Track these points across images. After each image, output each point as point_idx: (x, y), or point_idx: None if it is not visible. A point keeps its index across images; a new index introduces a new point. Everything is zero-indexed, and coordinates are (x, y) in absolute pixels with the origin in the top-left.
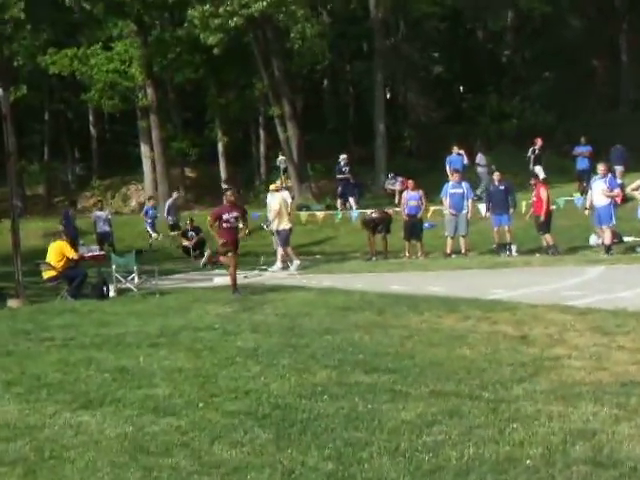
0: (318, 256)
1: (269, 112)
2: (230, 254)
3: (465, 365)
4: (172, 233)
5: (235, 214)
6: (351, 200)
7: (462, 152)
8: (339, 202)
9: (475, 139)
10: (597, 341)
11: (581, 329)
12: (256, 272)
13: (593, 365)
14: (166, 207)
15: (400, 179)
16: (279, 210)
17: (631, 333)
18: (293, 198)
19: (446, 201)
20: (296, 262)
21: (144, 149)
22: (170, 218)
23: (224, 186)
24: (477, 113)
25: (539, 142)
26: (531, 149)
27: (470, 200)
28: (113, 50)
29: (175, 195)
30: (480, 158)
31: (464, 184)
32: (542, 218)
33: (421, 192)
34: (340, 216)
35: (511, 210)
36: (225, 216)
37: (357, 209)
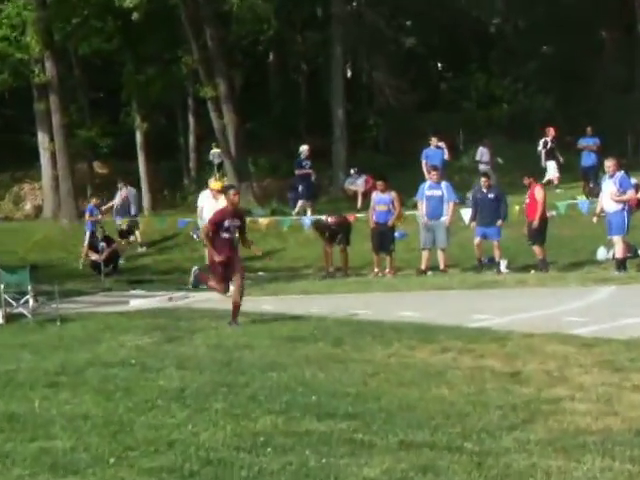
0: (261, 273)
1: (200, 93)
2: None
3: (443, 409)
4: (122, 240)
5: (237, 222)
6: (307, 204)
7: (442, 145)
8: (300, 204)
9: (457, 128)
10: (606, 379)
11: (586, 364)
12: (183, 293)
13: (601, 409)
14: (115, 205)
15: (364, 177)
16: None
17: None
18: None
19: (422, 205)
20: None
21: (42, 138)
22: (119, 218)
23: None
24: (459, 96)
25: (552, 132)
26: (542, 141)
27: (451, 204)
28: (2, 13)
29: (124, 190)
30: (482, 153)
31: (444, 184)
32: (535, 224)
33: (393, 194)
34: (289, 223)
35: (499, 222)
36: (227, 222)
37: (311, 215)
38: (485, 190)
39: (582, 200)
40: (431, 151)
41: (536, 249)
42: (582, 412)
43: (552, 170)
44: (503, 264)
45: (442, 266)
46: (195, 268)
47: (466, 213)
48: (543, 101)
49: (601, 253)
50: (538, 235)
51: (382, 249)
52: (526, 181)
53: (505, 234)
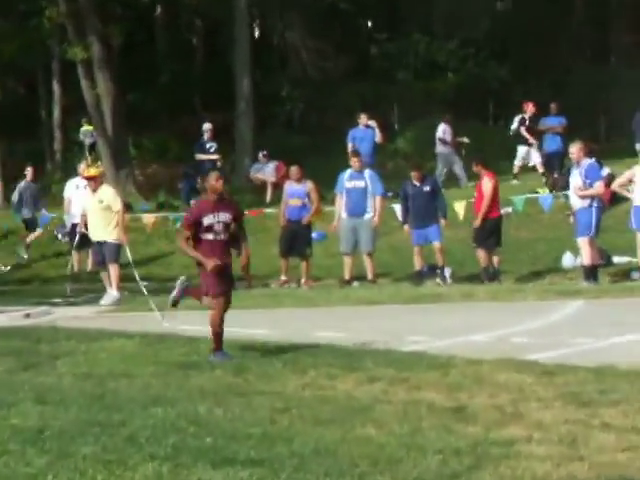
0: (145, 283)
1: (68, 55)
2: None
3: (370, 453)
4: (29, 238)
5: (226, 217)
6: None
7: (373, 124)
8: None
9: (391, 103)
10: (571, 416)
11: (547, 397)
12: (44, 309)
13: (564, 453)
14: (16, 193)
15: (275, 164)
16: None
17: (622, 403)
18: None
19: (341, 200)
20: (113, 294)
21: None
22: (26, 210)
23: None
24: (394, 64)
25: (531, 108)
26: (518, 118)
27: (378, 198)
28: None
29: (30, 172)
30: (444, 131)
31: (367, 173)
32: (477, 223)
33: (309, 185)
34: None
35: (442, 221)
36: (207, 220)
37: None
38: (418, 183)
39: (544, 194)
40: (359, 131)
41: (479, 253)
42: (541, 456)
43: (535, 155)
44: (447, 273)
45: (370, 275)
46: (183, 279)
47: (399, 209)
48: (497, 70)
49: (567, 260)
50: (483, 237)
51: (295, 252)
52: (475, 169)
53: (449, 236)
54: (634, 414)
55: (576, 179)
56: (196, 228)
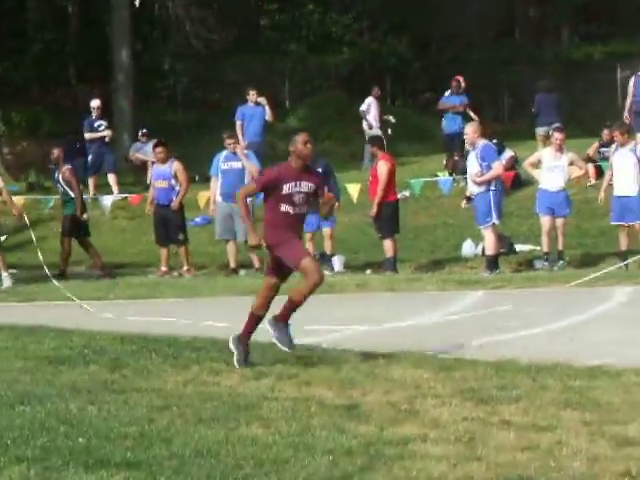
0: (13, 271)
1: None
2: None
3: (255, 453)
4: None
5: (308, 186)
6: (111, 178)
7: (263, 100)
8: (92, 181)
9: (282, 78)
10: (469, 413)
11: (444, 394)
12: None
13: (461, 452)
14: None
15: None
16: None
17: (522, 400)
18: None
19: (216, 183)
20: (7, 279)
21: None
22: None
23: None
24: (285, 36)
25: (462, 81)
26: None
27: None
28: None
29: None
30: (369, 104)
31: (245, 155)
32: (372, 211)
33: (176, 165)
34: (52, 204)
35: (336, 204)
36: (287, 187)
37: (118, 192)
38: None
39: (444, 177)
40: (248, 108)
41: (387, 244)
42: (436, 456)
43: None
44: (338, 261)
45: (257, 264)
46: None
47: None
48: (395, 46)
49: (467, 248)
50: (384, 224)
51: (169, 239)
52: (371, 150)
53: (343, 222)
54: (535, 411)
55: (472, 163)
56: (272, 194)
